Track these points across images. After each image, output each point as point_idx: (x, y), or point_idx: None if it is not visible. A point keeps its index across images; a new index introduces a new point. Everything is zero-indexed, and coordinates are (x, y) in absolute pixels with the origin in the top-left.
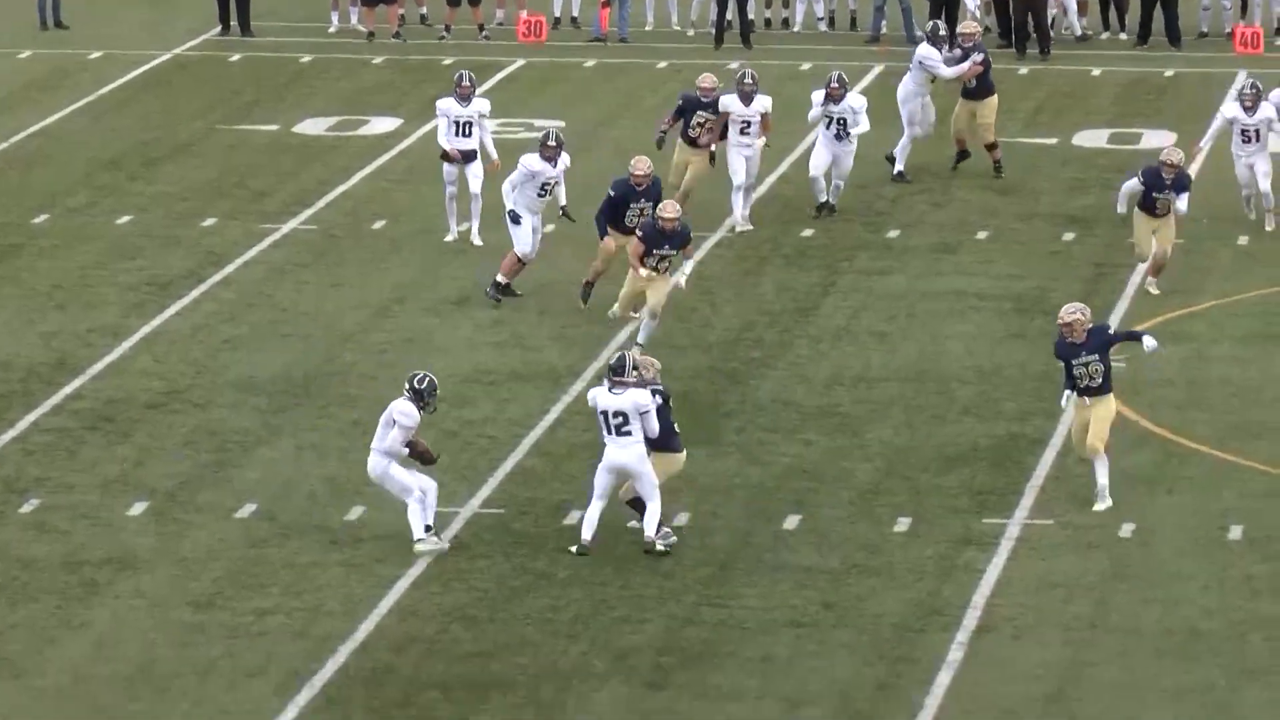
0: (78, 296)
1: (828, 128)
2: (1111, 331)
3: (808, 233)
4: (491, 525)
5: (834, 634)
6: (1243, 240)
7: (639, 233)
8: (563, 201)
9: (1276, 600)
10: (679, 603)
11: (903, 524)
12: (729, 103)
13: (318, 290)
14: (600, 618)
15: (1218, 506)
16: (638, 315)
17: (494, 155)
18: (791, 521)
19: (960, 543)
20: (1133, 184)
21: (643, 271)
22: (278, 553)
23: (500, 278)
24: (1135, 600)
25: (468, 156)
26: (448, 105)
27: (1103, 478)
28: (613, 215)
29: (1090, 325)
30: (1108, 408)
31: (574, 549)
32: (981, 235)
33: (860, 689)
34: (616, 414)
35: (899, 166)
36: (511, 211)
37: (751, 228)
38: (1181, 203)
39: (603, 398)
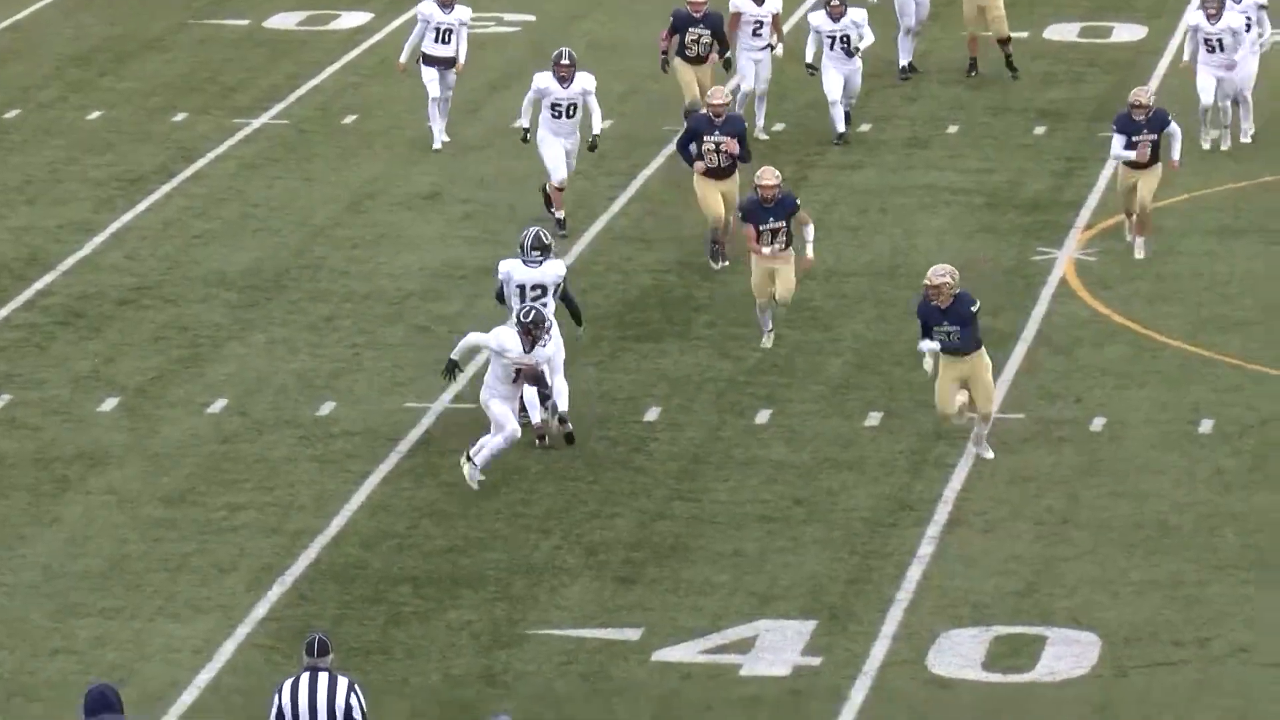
0: (48, 192)
1: (832, 48)
2: (975, 309)
3: (779, 127)
4: (464, 421)
5: (805, 529)
6: (1213, 134)
7: (739, 212)
8: (596, 129)
9: (1247, 494)
10: (650, 497)
11: (874, 419)
12: (740, 3)
13: (289, 185)
14: (571, 513)
15: (1188, 400)
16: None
17: (462, 59)
18: (763, 416)
19: (931, 437)
20: (1118, 141)
21: (765, 250)
22: (249, 448)
23: (557, 213)
24: (1105, 494)
25: (449, 63)
26: (430, 10)
27: (983, 429)
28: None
29: (958, 291)
30: (984, 362)
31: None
32: (952, 129)
33: (831, 583)
34: (535, 287)
35: (904, 60)
36: (525, 131)
37: (767, 137)
38: (1175, 150)
39: (518, 271)
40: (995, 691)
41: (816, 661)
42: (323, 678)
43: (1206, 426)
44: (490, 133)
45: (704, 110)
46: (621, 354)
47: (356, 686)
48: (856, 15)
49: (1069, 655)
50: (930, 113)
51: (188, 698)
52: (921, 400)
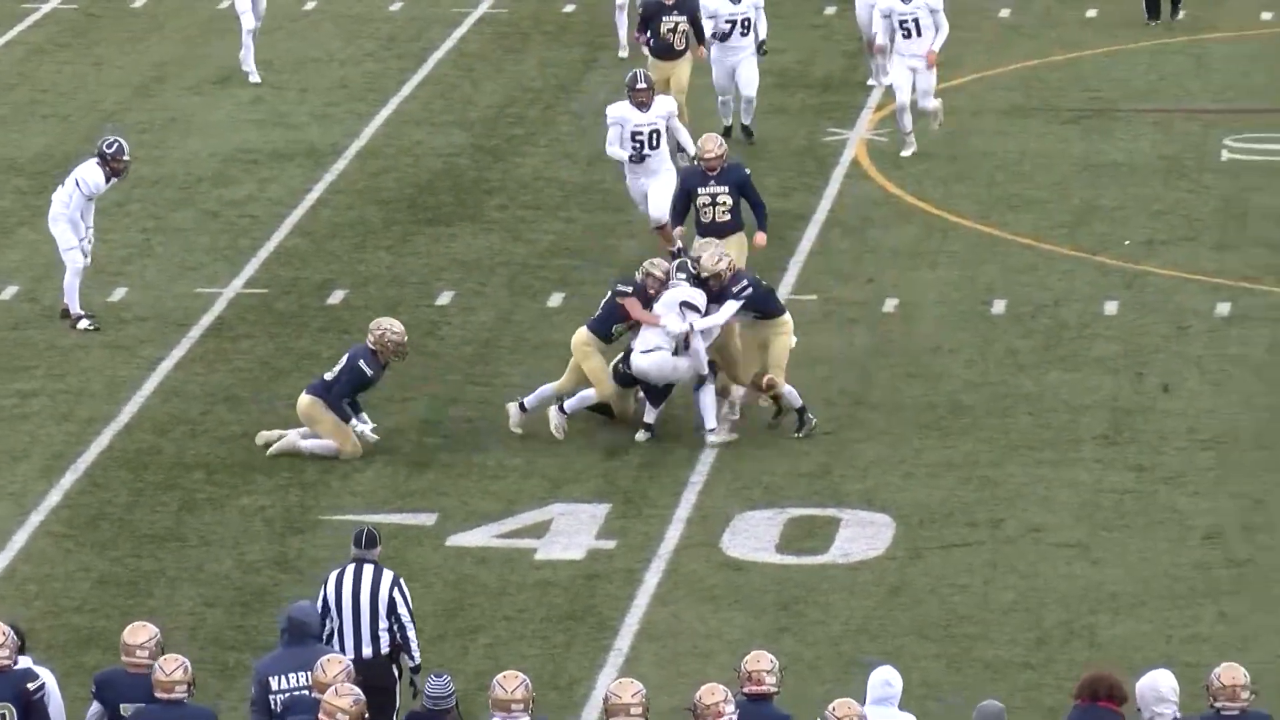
0: None
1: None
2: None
3: (569, 9)
4: (254, 306)
5: (598, 411)
6: (1004, 13)
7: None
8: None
9: (1039, 374)
10: (443, 382)
11: None
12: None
13: (78, 70)
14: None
15: (981, 280)
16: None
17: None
18: (555, 299)
19: None
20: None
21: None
22: (40, 335)
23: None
24: (899, 375)
25: None
26: None
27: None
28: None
29: (731, 277)
30: (782, 329)
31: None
32: None
33: (625, 467)
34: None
35: None
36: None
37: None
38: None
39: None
40: (789, 574)
41: (611, 545)
42: (368, 570)
43: (999, 307)
44: (279, 16)
45: (697, 163)
46: (413, 238)
47: (401, 581)
48: None
49: (863, 537)
50: None
51: None
52: None
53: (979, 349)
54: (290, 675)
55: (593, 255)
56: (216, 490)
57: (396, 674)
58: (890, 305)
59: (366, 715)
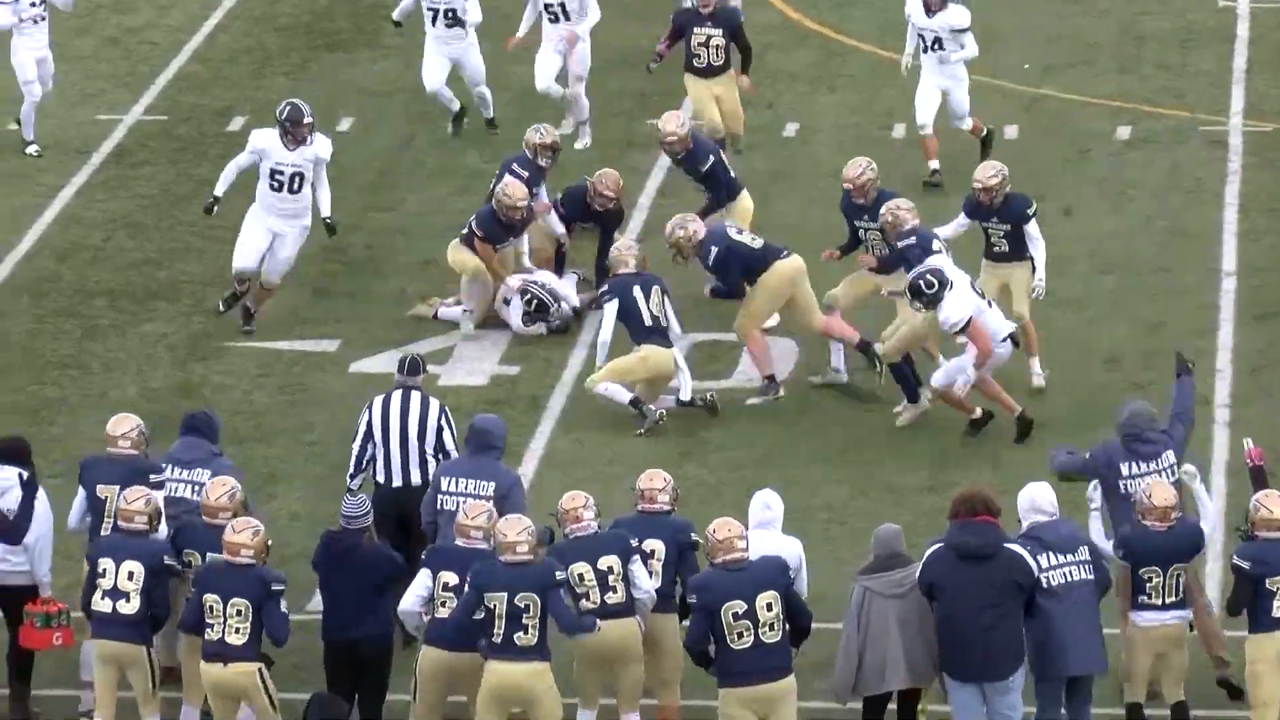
0: None
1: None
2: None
3: None
4: (154, 132)
5: None
6: None
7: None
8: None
9: (943, 200)
10: (343, 209)
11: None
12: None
13: None
14: None
15: (880, 105)
16: None
17: None
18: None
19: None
20: None
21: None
22: None
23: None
24: (801, 200)
25: None
26: None
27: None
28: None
29: None
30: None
31: None
32: None
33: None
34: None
35: None
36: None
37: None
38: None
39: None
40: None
41: (514, 370)
42: (414, 397)
43: (899, 131)
44: None
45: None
46: (311, 63)
47: (447, 409)
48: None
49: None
50: None
51: None
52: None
53: (880, 172)
54: (462, 480)
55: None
56: (119, 317)
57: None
58: (790, 130)
59: (270, 543)
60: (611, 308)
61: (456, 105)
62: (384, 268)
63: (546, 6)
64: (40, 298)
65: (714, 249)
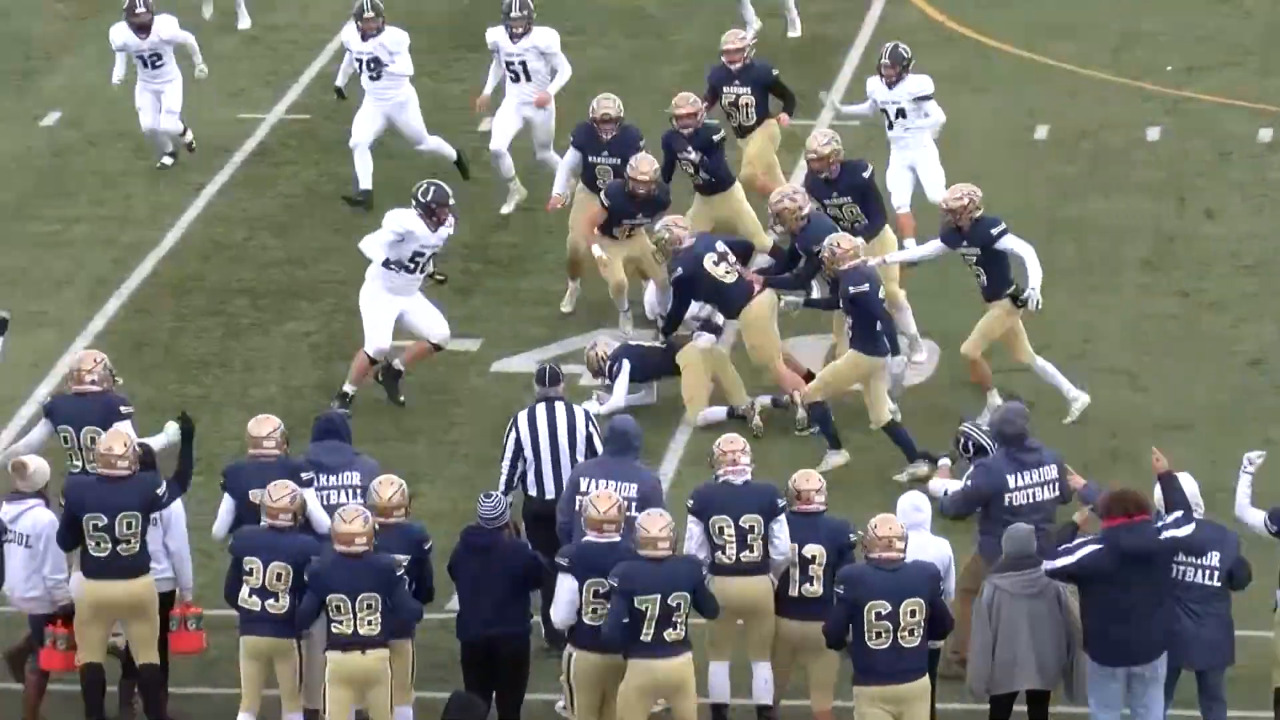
0: None
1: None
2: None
3: None
4: (298, 131)
5: None
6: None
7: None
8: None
9: (1082, 201)
10: (487, 209)
11: None
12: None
13: None
14: None
15: (1024, 106)
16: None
17: None
18: None
19: None
20: None
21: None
22: (83, 160)
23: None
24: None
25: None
26: None
27: None
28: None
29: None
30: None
31: None
32: None
33: None
34: None
35: None
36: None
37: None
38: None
39: None
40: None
41: None
42: (560, 407)
43: (1042, 133)
44: None
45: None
46: (454, 64)
47: (592, 416)
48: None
49: (909, 366)
50: None
51: (26, 411)
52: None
53: (1022, 174)
54: (602, 481)
55: (634, 82)
56: (261, 316)
57: None
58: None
59: (379, 525)
60: (623, 377)
61: (453, 152)
62: (528, 266)
63: (508, 65)
64: (183, 296)
65: (680, 269)
